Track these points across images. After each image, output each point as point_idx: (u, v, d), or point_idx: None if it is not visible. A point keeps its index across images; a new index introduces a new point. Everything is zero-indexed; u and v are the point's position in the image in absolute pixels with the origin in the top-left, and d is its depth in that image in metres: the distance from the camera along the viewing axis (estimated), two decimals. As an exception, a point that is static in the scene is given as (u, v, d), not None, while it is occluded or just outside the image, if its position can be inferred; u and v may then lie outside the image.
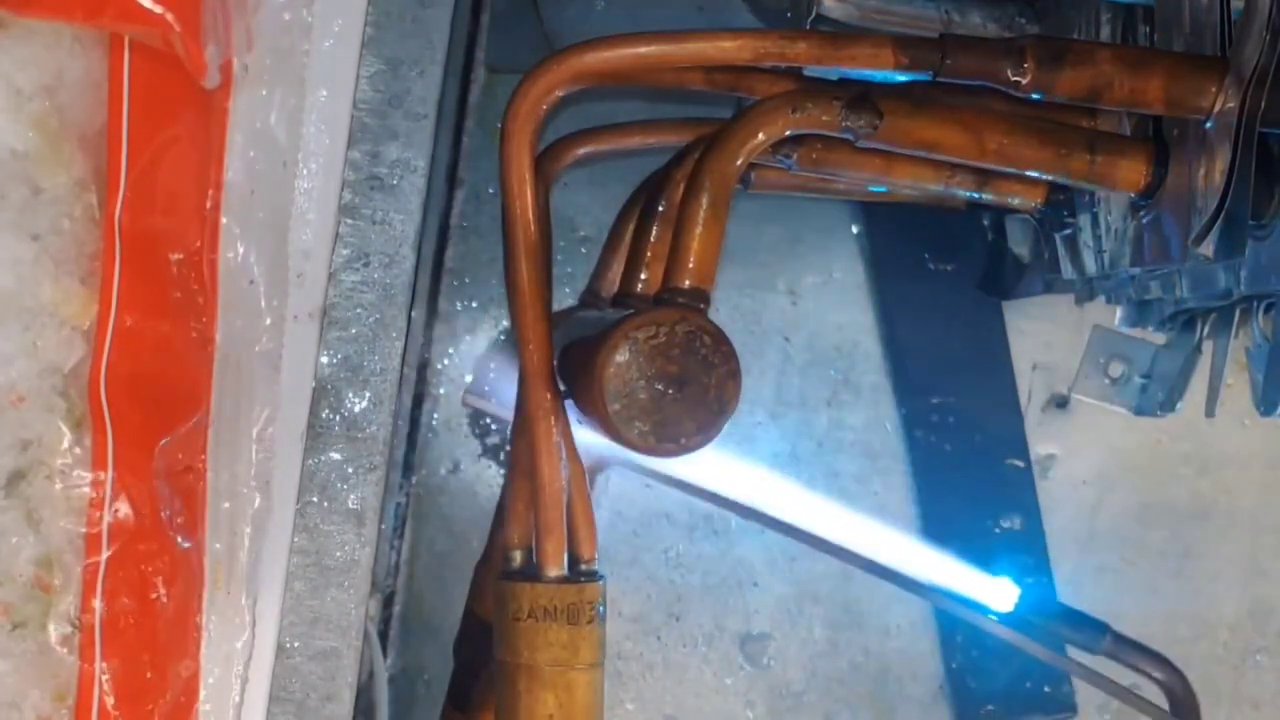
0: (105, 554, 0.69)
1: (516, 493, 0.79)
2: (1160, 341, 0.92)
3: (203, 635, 0.70)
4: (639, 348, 0.68)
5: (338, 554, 0.71)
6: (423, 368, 1.02)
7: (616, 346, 0.68)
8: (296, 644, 0.70)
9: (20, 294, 0.68)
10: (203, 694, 0.70)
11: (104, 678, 0.69)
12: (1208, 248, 0.67)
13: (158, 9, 0.62)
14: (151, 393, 0.69)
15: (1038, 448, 1.10)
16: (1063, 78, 0.67)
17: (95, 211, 0.68)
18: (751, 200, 0.91)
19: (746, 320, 1.07)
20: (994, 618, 0.90)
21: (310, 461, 0.70)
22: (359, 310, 0.70)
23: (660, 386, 0.68)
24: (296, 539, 0.70)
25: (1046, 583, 1.01)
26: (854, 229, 1.08)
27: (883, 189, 0.86)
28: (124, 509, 0.69)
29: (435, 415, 1.04)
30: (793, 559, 1.08)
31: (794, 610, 1.08)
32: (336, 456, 0.70)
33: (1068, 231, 0.85)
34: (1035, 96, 0.68)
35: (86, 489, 0.69)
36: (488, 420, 1.04)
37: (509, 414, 0.74)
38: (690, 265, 0.69)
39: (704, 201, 0.69)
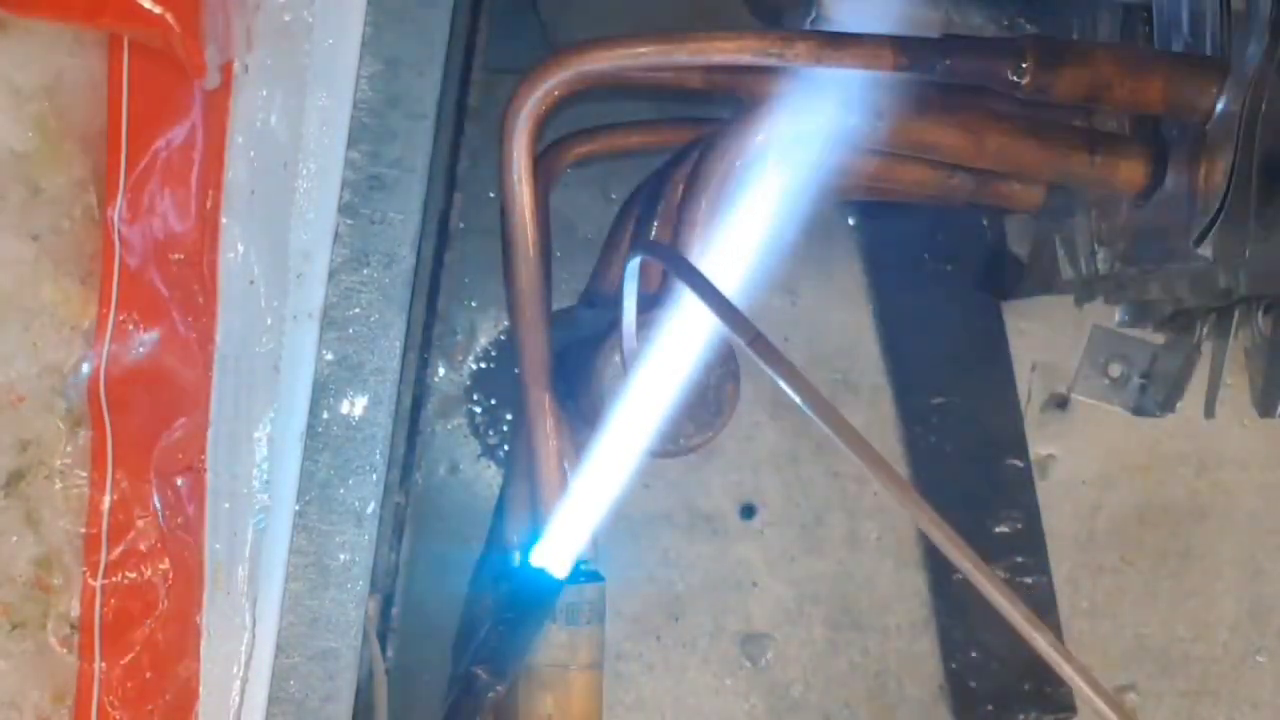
0: (105, 554, 0.69)
1: (516, 493, 0.79)
2: (1160, 341, 0.92)
3: (203, 635, 0.70)
4: (639, 348, 0.68)
5: (337, 554, 0.71)
6: (422, 368, 1.02)
7: (615, 347, 0.68)
8: (296, 644, 0.70)
9: (20, 294, 0.68)
10: (203, 694, 0.70)
11: (103, 678, 0.69)
12: (1208, 248, 0.67)
13: (157, 9, 0.62)
14: (151, 393, 0.69)
15: (1037, 448, 1.10)
16: (1063, 78, 0.67)
17: (95, 211, 0.68)
18: (751, 200, 0.91)
19: (746, 320, 1.07)
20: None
21: (310, 462, 0.70)
22: (358, 310, 0.70)
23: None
24: (296, 539, 0.70)
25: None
26: (853, 228, 1.07)
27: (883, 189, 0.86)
28: (124, 509, 0.69)
29: (435, 415, 1.03)
30: (792, 559, 1.08)
31: (794, 610, 1.08)
32: (336, 456, 0.70)
33: (1067, 232, 0.85)
34: (1035, 97, 0.68)
35: (86, 489, 0.69)
36: (487, 420, 1.04)
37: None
38: (690, 265, 0.69)
39: (703, 202, 0.69)
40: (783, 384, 0.60)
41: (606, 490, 0.70)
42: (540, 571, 0.71)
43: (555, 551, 0.71)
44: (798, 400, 0.60)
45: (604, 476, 0.69)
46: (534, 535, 0.73)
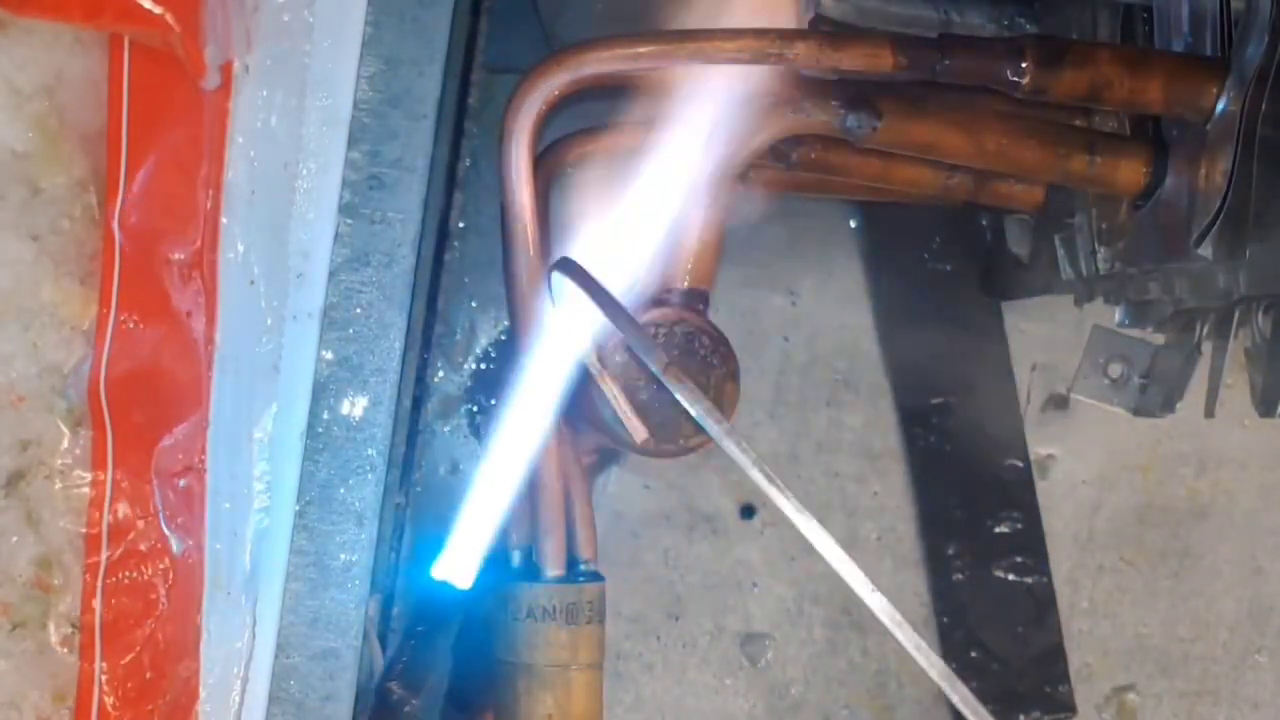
0: (105, 554, 0.69)
1: (515, 494, 0.78)
2: (1160, 342, 0.92)
3: (203, 635, 0.70)
4: (639, 348, 0.68)
5: (338, 554, 0.71)
6: (422, 368, 1.02)
7: (615, 347, 0.68)
8: (296, 644, 0.70)
9: (20, 294, 0.68)
10: (203, 694, 0.70)
11: (104, 677, 0.69)
12: (1208, 249, 0.67)
13: (157, 9, 0.62)
14: (151, 393, 0.69)
15: (1037, 448, 1.10)
16: (1062, 78, 0.67)
17: (95, 211, 0.68)
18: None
19: (746, 320, 1.07)
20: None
21: (310, 462, 0.70)
22: (358, 310, 0.70)
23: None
24: (296, 539, 0.70)
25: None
26: (853, 228, 1.07)
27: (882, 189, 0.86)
28: (124, 509, 0.69)
29: (435, 415, 1.04)
30: (792, 559, 1.08)
31: (793, 610, 1.08)
32: (336, 456, 0.70)
33: (1067, 232, 0.85)
34: (1034, 97, 0.68)
35: (86, 489, 0.69)
36: (487, 420, 1.04)
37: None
38: (689, 265, 0.69)
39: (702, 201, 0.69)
40: (697, 414, 0.60)
41: (501, 498, 0.70)
42: (445, 584, 0.71)
43: (457, 564, 0.71)
44: (713, 432, 0.60)
45: (495, 486, 0.69)
46: (437, 549, 0.73)
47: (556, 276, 0.65)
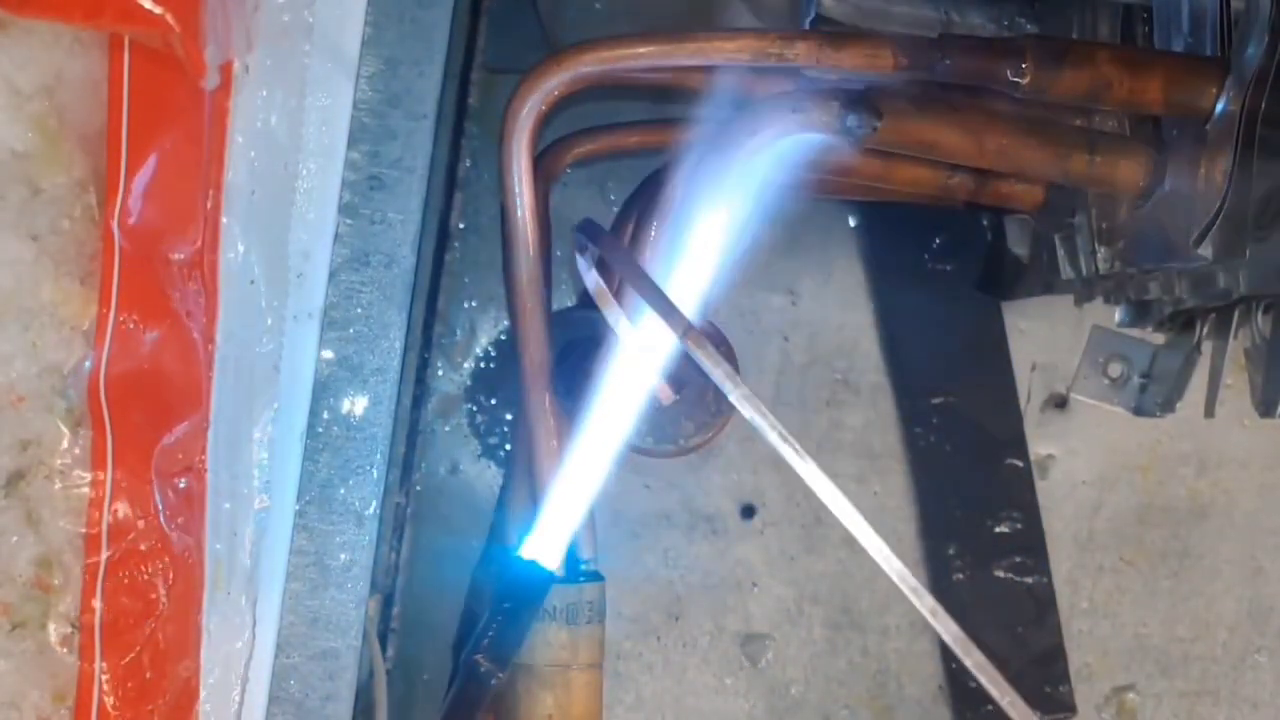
0: (105, 554, 0.69)
1: (516, 493, 0.79)
2: (1159, 341, 0.92)
3: (203, 635, 0.70)
4: (638, 348, 0.68)
5: (338, 554, 0.71)
6: (422, 368, 1.02)
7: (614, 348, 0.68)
8: (296, 644, 0.71)
9: (20, 294, 0.68)
10: (203, 694, 0.70)
11: (104, 678, 0.69)
12: (1207, 249, 0.67)
13: (157, 9, 0.62)
14: (151, 393, 0.69)
15: (1037, 448, 1.10)
16: (1062, 78, 0.67)
17: (95, 211, 0.68)
18: (751, 200, 0.90)
19: (745, 320, 1.07)
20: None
21: (310, 461, 0.70)
22: (358, 310, 0.70)
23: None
24: (296, 539, 0.70)
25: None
26: (853, 228, 1.07)
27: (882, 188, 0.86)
28: (124, 509, 0.69)
29: (435, 415, 1.04)
30: (792, 559, 1.08)
31: (793, 610, 1.08)
32: (336, 456, 0.70)
33: (1067, 232, 0.85)
34: (1034, 97, 0.68)
35: (86, 489, 0.69)
36: (487, 420, 1.04)
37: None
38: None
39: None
40: (716, 378, 0.61)
41: (592, 481, 0.70)
42: (533, 563, 0.71)
43: (546, 544, 0.72)
44: (731, 395, 0.61)
45: (589, 467, 0.69)
46: (527, 529, 0.74)
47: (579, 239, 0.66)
